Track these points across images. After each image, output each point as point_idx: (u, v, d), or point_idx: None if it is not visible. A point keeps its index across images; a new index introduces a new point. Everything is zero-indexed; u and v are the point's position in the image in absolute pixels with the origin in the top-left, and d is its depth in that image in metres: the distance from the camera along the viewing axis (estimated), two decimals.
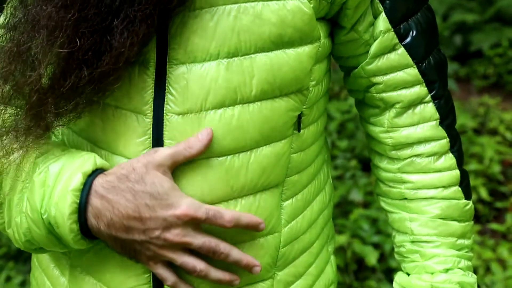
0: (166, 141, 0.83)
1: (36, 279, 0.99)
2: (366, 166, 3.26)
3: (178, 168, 0.83)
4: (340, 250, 2.62)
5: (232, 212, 0.83)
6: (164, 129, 0.83)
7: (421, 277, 0.95)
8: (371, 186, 3.04)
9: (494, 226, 3.00)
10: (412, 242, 0.97)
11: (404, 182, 0.97)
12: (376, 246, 2.73)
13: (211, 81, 0.82)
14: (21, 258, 2.86)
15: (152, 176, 0.80)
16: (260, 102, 0.84)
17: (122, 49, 0.77)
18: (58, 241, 0.84)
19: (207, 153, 0.83)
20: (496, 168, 3.32)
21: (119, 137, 0.84)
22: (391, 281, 2.66)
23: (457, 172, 0.96)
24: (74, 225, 0.81)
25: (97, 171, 0.82)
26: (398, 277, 0.99)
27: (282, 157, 0.88)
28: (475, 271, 2.72)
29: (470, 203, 0.98)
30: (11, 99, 0.82)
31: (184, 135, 0.83)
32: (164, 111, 0.82)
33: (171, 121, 0.83)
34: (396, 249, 1.01)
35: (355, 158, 3.29)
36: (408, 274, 0.98)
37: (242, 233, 0.87)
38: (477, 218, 3.08)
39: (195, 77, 0.82)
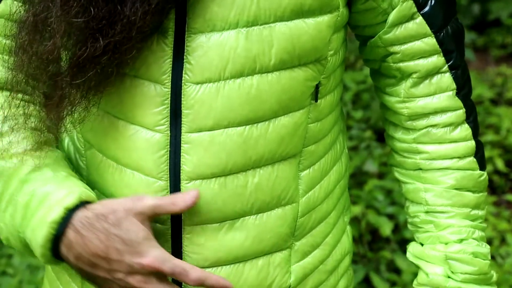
0: (184, 111, 0.83)
1: None
2: (381, 136, 3.25)
3: (196, 137, 0.83)
4: (354, 221, 2.62)
5: (199, 273, 0.83)
6: (182, 98, 0.83)
7: (435, 247, 0.95)
8: (386, 157, 3.03)
9: (510, 197, 2.99)
10: (427, 212, 0.97)
11: (419, 152, 0.97)
12: (390, 217, 2.74)
13: (230, 50, 0.81)
14: None
15: (130, 223, 0.81)
16: (278, 72, 0.84)
17: (133, 18, 0.77)
18: (33, 254, 0.86)
19: (226, 123, 0.83)
20: None
21: (137, 107, 0.84)
22: (405, 251, 2.66)
23: (472, 143, 0.96)
24: (47, 251, 0.84)
25: (80, 204, 0.83)
26: (412, 248, 1.00)
27: (299, 127, 0.88)
28: (490, 242, 2.72)
29: (485, 174, 0.98)
30: (29, 70, 0.82)
31: (202, 105, 0.83)
32: (182, 81, 0.82)
33: (189, 90, 0.82)
34: (409, 220, 1.01)
35: (370, 129, 3.28)
36: (422, 244, 0.98)
37: (259, 202, 0.87)
38: (493, 189, 3.08)
39: (214, 46, 0.81)
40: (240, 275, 0.89)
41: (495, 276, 0.97)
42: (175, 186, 0.85)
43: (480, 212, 0.97)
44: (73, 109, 0.82)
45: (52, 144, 0.92)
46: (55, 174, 0.86)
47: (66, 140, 0.95)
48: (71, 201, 0.83)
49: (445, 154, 0.96)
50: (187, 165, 0.84)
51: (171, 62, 0.82)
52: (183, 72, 0.82)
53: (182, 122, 0.83)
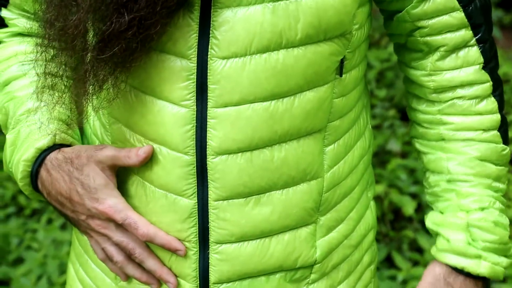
0: (210, 86, 0.83)
1: None
2: (405, 115, 3.22)
3: (222, 112, 0.84)
4: (377, 200, 2.62)
5: (149, 229, 0.87)
6: (208, 73, 0.82)
7: (457, 214, 0.95)
8: (409, 136, 3.01)
9: None
10: (448, 181, 0.97)
11: (443, 123, 0.96)
12: (413, 196, 2.73)
13: (257, 25, 0.81)
14: None
15: (90, 169, 0.88)
16: (304, 47, 0.83)
17: None
18: None
19: (252, 98, 0.83)
20: None
21: (164, 82, 0.84)
22: (427, 231, 2.66)
23: (498, 116, 0.96)
24: (27, 186, 0.93)
25: (54, 147, 0.91)
26: (431, 216, 0.99)
27: (324, 102, 0.88)
28: None
29: (507, 149, 0.97)
30: (56, 45, 0.83)
31: (228, 80, 0.82)
32: (208, 56, 0.82)
33: (215, 65, 0.82)
34: (429, 190, 1.00)
35: (394, 108, 3.26)
36: (442, 213, 0.98)
37: (285, 177, 0.88)
38: None
39: (240, 21, 0.81)
40: (266, 249, 0.89)
41: None
42: (201, 161, 0.85)
43: (501, 185, 0.97)
44: (101, 86, 0.83)
45: (79, 119, 0.94)
46: (41, 117, 0.92)
47: (92, 115, 0.95)
48: (44, 143, 0.91)
49: (469, 126, 0.95)
50: (213, 140, 0.85)
51: (197, 37, 0.82)
52: (209, 47, 0.82)
53: (208, 97, 0.83)
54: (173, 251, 0.89)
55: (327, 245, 0.94)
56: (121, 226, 0.89)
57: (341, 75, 0.89)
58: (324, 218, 0.93)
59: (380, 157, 2.96)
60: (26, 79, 0.95)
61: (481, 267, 0.92)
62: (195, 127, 0.84)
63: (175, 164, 0.86)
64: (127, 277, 0.93)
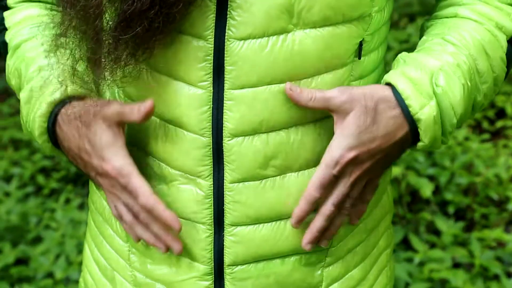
0: (227, 67, 0.82)
1: (95, 203, 1.02)
2: None
3: (239, 94, 0.83)
4: (394, 182, 2.61)
5: (147, 199, 0.85)
6: (225, 54, 0.82)
7: (436, 57, 0.87)
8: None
9: None
10: (443, 38, 0.90)
11: (462, 4, 0.92)
12: (431, 178, 2.72)
13: (274, 6, 0.80)
14: (79, 181, 2.95)
15: (97, 126, 0.86)
16: (322, 28, 0.82)
17: None
18: None
19: (269, 80, 0.83)
20: None
21: (180, 62, 0.83)
22: (445, 213, 2.65)
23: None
24: (46, 143, 0.92)
25: (68, 99, 0.89)
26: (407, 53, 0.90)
27: (342, 84, 0.87)
28: None
29: (505, 70, 0.92)
30: (77, 25, 0.82)
31: (245, 61, 0.82)
32: (226, 36, 0.81)
33: (232, 46, 0.82)
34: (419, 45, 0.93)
35: None
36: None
37: (301, 159, 0.87)
38: None
39: (258, 2, 0.80)
40: (281, 232, 0.89)
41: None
42: (217, 143, 0.85)
43: (481, 85, 0.89)
44: (122, 68, 0.82)
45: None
46: (51, 72, 0.90)
47: (108, 94, 0.95)
48: (56, 96, 0.89)
49: (486, 14, 0.90)
50: (229, 122, 0.84)
51: (214, 18, 0.81)
52: (227, 27, 0.81)
53: (225, 78, 0.83)
54: (171, 225, 0.86)
55: (342, 229, 0.93)
56: (124, 188, 0.88)
57: (359, 58, 0.88)
58: None
59: None
60: (36, 40, 0.95)
61: (424, 110, 0.83)
62: (211, 108, 0.84)
63: (191, 146, 0.86)
64: (138, 239, 0.91)
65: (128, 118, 0.85)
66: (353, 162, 0.84)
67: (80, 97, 0.90)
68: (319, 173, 0.84)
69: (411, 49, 3.37)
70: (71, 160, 0.91)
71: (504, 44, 0.91)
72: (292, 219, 0.88)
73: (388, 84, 0.86)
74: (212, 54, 0.82)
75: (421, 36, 0.99)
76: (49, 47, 0.87)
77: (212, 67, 0.83)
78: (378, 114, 0.83)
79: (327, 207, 0.86)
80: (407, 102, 0.84)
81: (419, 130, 0.85)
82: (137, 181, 0.85)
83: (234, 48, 0.82)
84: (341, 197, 0.85)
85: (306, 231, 0.88)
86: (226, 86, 0.83)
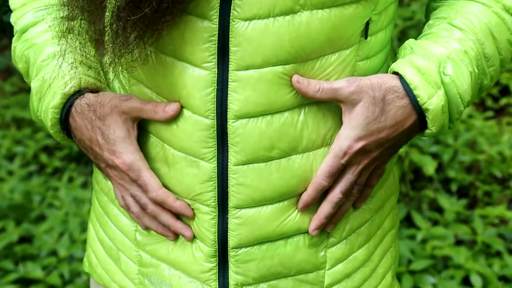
0: (232, 48, 0.81)
1: (99, 183, 1.02)
2: None
3: (243, 75, 0.82)
4: (397, 159, 2.60)
5: (157, 193, 0.88)
6: (230, 35, 0.81)
7: (443, 44, 0.87)
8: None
9: None
10: (449, 23, 0.90)
11: None
12: (434, 156, 2.71)
13: None
14: (82, 160, 2.95)
15: (112, 119, 0.87)
16: (329, 9, 0.81)
17: None
18: None
19: (274, 61, 0.82)
20: None
21: (185, 43, 0.83)
22: (448, 191, 2.65)
23: None
24: (58, 133, 0.93)
25: (80, 92, 0.89)
26: (414, 40, 0.90)
27: (348, 65, 0.86)
28: None
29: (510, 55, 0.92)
30: (85, 5, 0.81)
31: (251, 42, 0.81)
32: (231, 17, 0.80)
33: (237, 27, 0.81)
34: (425, 29, 0.93)
35: None
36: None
37: (306, 140, 0.87)
38: None
39: None
40: (285, 213, 0.89)
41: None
42: (221, 124, 0.85)
43: (488, 68, 0.89)
44: (130, 50, 0.81)
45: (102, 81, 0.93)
46: (62, 61, 0.89)
47: (114, 79, 0.94)
48: (70, 88, 0.89)
49: None
50: (234, 103, 0.84)
51: None
52: (232, 8, 0.80)
53: (229, 59, 0.82)
54: (183, 214, 0.89)
55: None
56: (134, 181, 0.89)
57: (366, 38, 0.87)
58: None
59: None
60: (42, 24, 0.94)
61: (432, 100, 0.83)
62: (215, 90, 0.83)
63: (195, 127, 0.86)
64: (146, 228, 0.94)
65: (148, 116, 0.87)
66: (361, 152, 0.85)
67: (93, 89, 0.91)
68: (328, 162, 0.85)
69: (415, 26, 3.34)
70: (81, 149, 0.92)
71: (508, 22, 0.90)
72: (299, 204, 0.89)
73: (396, 73, 0.86)
74: (217, 35, 0.81)
75: (426, 15, 0.99)
76: (57, 33, 0.86)
77: (216, 48, 0.82)
78: (386, 104, 0.83)
79: (335, 195, 0.87)
80: (415, 92, 0.83)
81: (427, 119, 0.85)
82: (147, 176, 0.88)
83: (239, 29, 0.81)
84: (349, 185, 0.87)
85: (313, 217, 0.89)
86: (230, 67, 0.82)
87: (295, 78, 0.82)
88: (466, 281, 2.22)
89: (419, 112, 0.85)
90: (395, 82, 0.84)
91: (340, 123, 0.88)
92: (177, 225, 0.90)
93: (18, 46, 0.97)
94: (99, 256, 1.03)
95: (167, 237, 0.92)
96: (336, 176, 0.86)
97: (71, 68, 0.89)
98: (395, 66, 0.86)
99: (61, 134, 0.93)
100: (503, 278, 2.23)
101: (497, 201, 2.62)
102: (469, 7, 0.90)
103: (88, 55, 0.87)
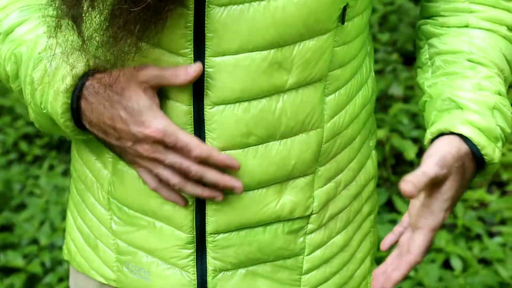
0: (207, 34, 0.81)
1: (77, 171, 1.01)
2: (408, 60, 3.20)
3: (220, 61, 0.82)
4: (378, 144, 2.62)
5: (201, 149, 0.83)
6: (205, 21, 0.80)
7: (481, 92, 0.88)
8: (412, 80, 2.99)
9: None
10: (469, 60, 0.91)
11: (471, 11, 0.93)
12: (415, 140, 2.73)
13: None
14: (63, 147, 2.93)
15: (132, 91, 0.83)
16: None
17: None
18: (64, 131, 0.90)
19: (250, 47, 0.81)
20: None
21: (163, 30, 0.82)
22: None
23: None
24: (68, 122, 0.87)
25: (89, 72, 0.85)
26: (450, 88, 0.90)
27: (325, 51, 0.86)
28: None
29: None
30: None
31: (226, 28, 0.80)
32: (206, 3, 0.80)
33: (212, 13, 0.80)
34: (439, 71, 0.93)
35: (397, 52, 3.23)
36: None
37: (284, 127, 0.86)
38: None
39: None
40: (263, 200, 0.89)
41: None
42: (198, 110, 0.84)
43: (503, 90, 0.91)
44: (135, 44, 0.79)
45: None
46: (64, 49, 0.86)
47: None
48: (80, 69, 0.85)
49: (496, 18, 0.92)
50: (210, 90, 0.83)
51: None
52: None
53: (205, 45, 0.81)
54: (227, 168, 0.86)
55: (325, 196, 0.93)
56: (170, 147, 0.85)
57: (343, 23, 0.86)
58: (323, 169, 0.92)
59: (382, 102, 2.95)
60: (30, 22, 0.91)
61: (495, 154, 0.86)
62: None
63: (173, 113, 0.85)
64: (186, 202, 0.89)
65: (169, 82, 0.83)
66: (447, 214, 0.85)
67: (101, 70, 0.86)
68: (426, 239, 0.82)
69: (395, 11, 3.32)
70: (97, 134, 0.87)
71: None
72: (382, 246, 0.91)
73: (458, 134, 0.86)
74: (193, 21, 0.81)
75: (417, 35, 0.99)
76: (53, 26, 0.83)
77: (193, 34, 0.81)
78: (466, 170, 0.85)
79: (416, 260, 0.84)
80: (483, 152, 0.85)
81: (487, 168, 0.88)
82: (185, 136, 0.83)
83: (214, 15, 0.80)
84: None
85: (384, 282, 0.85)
86: (207, 53, 0.82)
87: (405, 189, 0.78)
88: (446, 264, 2.24)
89: (482, 165, 0.87)
90: (464, 146, 0.85)
91: (319, 108, 0.88)
92: (226, 179, 0.86)
93: (3, 48, 0.92)
94: (78, 244, 1.03)
95: (215, 198, 0.87)
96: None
97: (76, 51, 0.84)
98: (452, 127, 0.85)
99: (71, 123, 0.87)
100: (482, 261, 2.25)
101: (476, 184, 2.64)
102: (478, 36, 0.92)
103: (90, 46, 0.83)
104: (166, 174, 0.85)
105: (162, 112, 0.84)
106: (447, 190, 0.82)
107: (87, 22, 0.80)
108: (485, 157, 0.85)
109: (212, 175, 0.85)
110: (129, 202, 0.92)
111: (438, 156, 0.81)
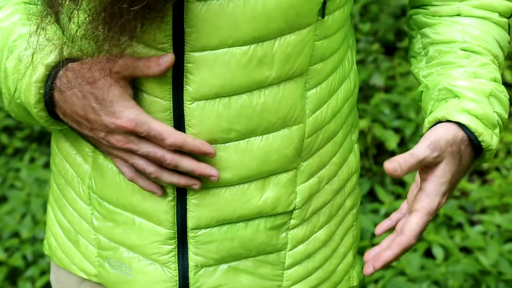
0: (187, 29, 0.80)
1: (57, 166, 1.00)
2: (389, 50, 3.20)
3: (199, 56, 0.81)
4: (360, 135, 2.62)
5: (175, 137, 0.82)
6: (185, 17, 0.80)
7: (478, 80, 0.90)
8: (393, 70, 3.00)
9: None
10: (463, 49, 0.93)
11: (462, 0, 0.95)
12: (396, 130, 2.74)
13: None
14: (44, 140, 2.91)
15: (104, 81, 0.81)
16: None
17: None
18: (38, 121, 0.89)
19: (230, 42, 0.81)
20: None
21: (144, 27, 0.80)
22: None
23: (510, 4, 0.95)
24: (42, 112, 0.86)
25: (62, 63, 0.83)
26: (446, 77, 0.91)
27: (306, 45, 0.85)
28: (496, 154, 2.73)
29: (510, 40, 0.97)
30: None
31: (206, 23, 0.80)
32: None
33: (192, 7, 0.79)
34: (435, 61, 0.94)
35: (378, 42, 3.24)
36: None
37: (265, 122, 0.86)
38: None
39: None
40: (245, 195, 0.89)
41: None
42: (178, 106, 0.84)
43: (498, 76, 0.93)
44: (128, 40, 0.78)
45: None
46: (38, 39, 0.84)
47: None
48: (52, 59, 0.83)
49: (488, 5, 0.94)
50: (190, 85, 0.83)
51: None
52: None
53: (185, 40, 0.81)
54: (203, 154, 0.85)
55: (307, 191, 0.93)
56: (143, 137, 0.84)
57: (323, 17, 0.86)
58: (305, 164, 0.92)
59: (363, 92, 2.95)
60: (5, 10, 0.90)
61: (493, 141, 0.87)
62: (171, 70, 0.82)
63: (152, 109, 0.84)
64: (163, 191, 0.88)
65: (142, 73, 0.82)
66: (443, 201, 0.85)
67: (75, 59, 0.84)
68: (421, 222, 0.83)
69: (376, 1, 3.31)
70: (71, 125, 0.86)
71: (506, 25, 0.94)
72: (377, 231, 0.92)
73: (455, 122, 0.87)
74: (171, 16, 0.80)
75: (408, 24, 0.99)
76: (28, 14, 0.82)
77: (171, 29, 0.80)
78: (462, 156, 0.86)
79: (409, 242, 0.83)
80: (480, 138, 0.86)
81: (486, 155, 0.88)
82: (158, 125, 0.83)
83: (193, 9, 0.79)
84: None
85: (374, 258, 0.83)
86: (186, 48, 0.81)
87: (387, 166, 0.80)
88: (428, 253, 2.26)
89: (480, 151, 0.88)
90: (461, 133, 0.86)
91: (301, 103, 0.88)
92: (202, 166, 0.85)
93: None
94: (58, 239, 1.02)
95: (193, 186, 0.87)
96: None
97: (50, 41, 0.83)
98: (453, 116, 0.86)
99: (45, 113, 0.86)
100: (464, 249, 2.27)
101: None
102: (471, 23, 0.93)
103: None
104: (142, 163, 0.85)
105: (134, 102, 0.83)
106: (443, 174, 0.83)
107: (67, 16, 0.78)
108: (483, 144, 0.86)
109: (187, 163, 0.85)
110: (109, 197, 0.92)
111: (431, 139, 0.83)
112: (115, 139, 0.83)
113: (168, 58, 0.80)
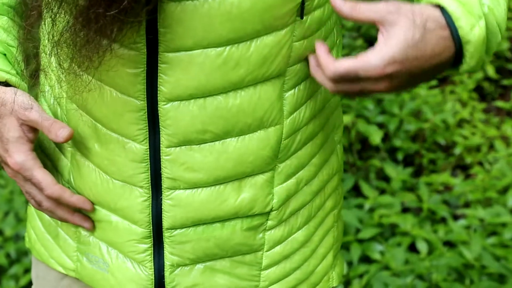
0: (160, 29, 0.79)
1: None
2: (372, 45, 3.20)
3: (173, 57, 0.80)
4: (344, 130, 2.62)
5: (52, 190, 0.88)
6: (158, 17, 0.79)
7: None
8: None
9: (500, 103, 2.99)
10: None
11: None
12: (380, 125, 2.74)
13: None
14: None
15: (9, 120, 0.87)
16: None
17: None
18: None
19: (205, 43, 0.80)
20: (505, 45, 3.26)
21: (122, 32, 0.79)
22: (394, 160, 2.69)
23: None
24: None
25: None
26: None
27: (283, 46, 0.84)
28: (478, 148, 2.74)
29: None
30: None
31: (180, 23, 0.79)
32: None
33: (166, 8, 0.78)
34: None
35: (361, 37, 3.23)
36: None
37: (241, 124, 0.85)
38: (483, 96, 3.07)
39: None
40: (220, 196, 0.89)
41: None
42: (152, 106, 0.83)
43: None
44: (110, 46, 0.78)
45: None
46: None
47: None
48: None
49: None
50: (164, 86, 0.82)
51: None
52: None
53: (159, 40, 0.80)
54: (82, 207, 0.91)
55: (285, 192, 0.93)
56: (28, 179, 0.89)
57: (302, 17, 0.85)
58: (283, 165, 0.91)
59: None
60: None
61: (474, 32, 0.78)
62: (145, 71, 0.81)
63: (125, 108, 0.84)
64: (91, 225, 0.94)
65: (44, 132, 0.87)
66: (389, 77, 0.76)
67: (5, 83, 0.89)
68: (348, 66, 0.76)
69: None
70: None
71: None
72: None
73: (436, 5, 0.80)
74: (144, 19, 0.79)
75: None
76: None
77: (145, 29, 0.79)
78: (427, 32, 0.76)
79: (332, 88, 0.79)
80: (457, 23, 0.78)
81: (465, 52, 0.80)
82: (40, 174, 0.88)
83: (167, 10, 0.78)
84: (350, 92, 0.79)
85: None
86: (160, 48, 0.80)
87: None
88: (412, 247, 2.27)
89: (458, 45, 0.79)
90: (436, 12, 0.78)
91: (278, 104, 0.87)
92: (75, 219, 0.92)
93: None
94: (38, 232, 1.02)
95: (84, 226, 0.93)
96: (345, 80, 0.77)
97: None
98: None
99: None
100: (447, 243, 2.28)
101: (441, 168, 2.67)
102: None
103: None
104: (39, 196, 0.90)
105: (30, 146, 0.88)
106: (395, 35, 0.75)
107: (49, 20, 0.78)
108: (459, 30, 0.78)
109: (61, 213, 0.91)
110: (87, 193, 0.92)
111: (397, 3, 0.76)
112: (8, 170, 0.90)
113: (65, 134, 0.86)
